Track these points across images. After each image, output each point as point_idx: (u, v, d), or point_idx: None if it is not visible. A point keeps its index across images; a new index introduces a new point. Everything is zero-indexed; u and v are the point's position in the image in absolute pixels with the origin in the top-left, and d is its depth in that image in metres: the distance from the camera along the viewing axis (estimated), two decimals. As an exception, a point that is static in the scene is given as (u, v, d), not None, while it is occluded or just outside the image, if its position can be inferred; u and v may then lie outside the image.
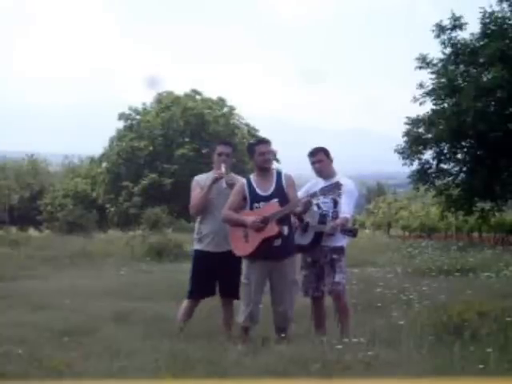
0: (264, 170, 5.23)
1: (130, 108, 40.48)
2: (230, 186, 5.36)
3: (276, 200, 5.09)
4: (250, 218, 5.06)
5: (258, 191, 5.16)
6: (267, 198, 5.12)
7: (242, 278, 5.21)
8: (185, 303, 5.60)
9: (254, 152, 5.22)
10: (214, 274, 5.47)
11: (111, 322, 6.09)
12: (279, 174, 5.26)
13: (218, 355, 4.39)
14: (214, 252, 5.44)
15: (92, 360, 4.39)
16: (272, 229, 5.01)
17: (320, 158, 5.54)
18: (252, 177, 5.28)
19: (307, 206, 5.11)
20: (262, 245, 5.02)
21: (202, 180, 5.59)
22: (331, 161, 5.61)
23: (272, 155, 5.38)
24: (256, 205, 5.13)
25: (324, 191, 5.10)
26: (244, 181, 5.28)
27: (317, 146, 5.68)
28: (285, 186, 5.17)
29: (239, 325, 5.23)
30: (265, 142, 5.33)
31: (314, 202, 5.30)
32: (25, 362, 4.33)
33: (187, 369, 4.10)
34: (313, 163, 5.56)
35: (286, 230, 5.10)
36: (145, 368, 4.13)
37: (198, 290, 5.52)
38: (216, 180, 5.39)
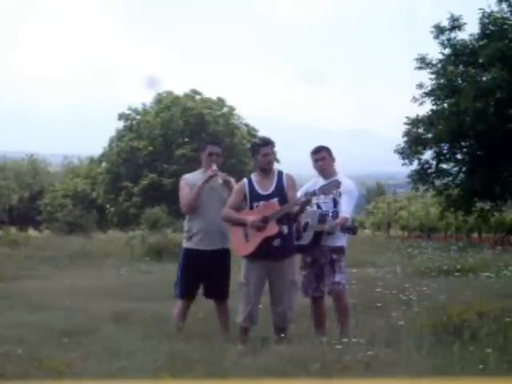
0: (265, 170, 5.25)
1: (130, 108, 40.52)
2: (227, 182, 5.38)
3: (276, 199, 5.11)
4: (249, 217, 5.07)
5: (258, 190, 5.17)
6: (267, 198, 5.13)
7: (241, 278, 5.20)
8: (178, 304, 5.54)
9: (258, 152, 5.24)
10: (202, 273, 5.43)
11: (111, 323, 6.08)
12: (280, 173, 5.26)
13: (217, 355, 4.39)
14: (204, 250, 5.42)
15: (92, 360, 4.38)
16: (272, 228, 5.01)
17: (323, 155, 5.56)
18: (253, 176, 5.29)
19: (306, 204, 5.12)
20: (262, 244, 5.03)
21: (189, 179, 5.59)
22: (333, 160, 5.64)
23: (274, 156, 5.40)
24: (256, 204, 5.14)
25: (323, 190, 5.10)
26: (245, 180, 5.30)
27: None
28: (285, 186, 5.18)
29: (238, 325, 5.22)
30: (270, 143, 5.34)
31: (314, 201, 5.31)
32: (25, 363, 4.33)
33: (187, 369, 4.10)
34: (316, 161, 5.57)
35: (285, 229, 5.11)
36: (144, 368, 4.13)
37: (188, 288, 5.48)
38: (210, 178, 5.39)
